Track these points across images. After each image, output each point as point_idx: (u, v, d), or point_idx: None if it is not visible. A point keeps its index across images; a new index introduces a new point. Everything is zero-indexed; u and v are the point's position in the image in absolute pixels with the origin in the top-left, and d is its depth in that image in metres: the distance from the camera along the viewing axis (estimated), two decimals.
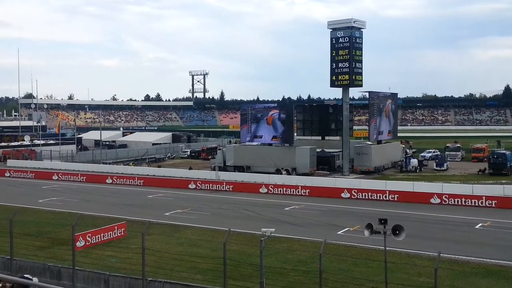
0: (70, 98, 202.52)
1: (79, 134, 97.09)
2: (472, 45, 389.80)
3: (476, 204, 36.05)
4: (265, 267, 16.90)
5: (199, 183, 47.09)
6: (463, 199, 36.75)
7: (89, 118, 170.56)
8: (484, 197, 36.30)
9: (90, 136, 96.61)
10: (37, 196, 42.00)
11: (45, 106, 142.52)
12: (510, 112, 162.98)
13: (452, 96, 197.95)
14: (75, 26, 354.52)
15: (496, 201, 35.83)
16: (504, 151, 56.26)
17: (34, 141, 77.64)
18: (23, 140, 78.59)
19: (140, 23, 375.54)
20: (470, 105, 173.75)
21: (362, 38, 54.83)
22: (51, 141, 79.69)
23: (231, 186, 45.37)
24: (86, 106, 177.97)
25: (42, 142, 76.96)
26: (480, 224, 30.27)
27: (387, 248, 15.82)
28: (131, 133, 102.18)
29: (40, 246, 24.82)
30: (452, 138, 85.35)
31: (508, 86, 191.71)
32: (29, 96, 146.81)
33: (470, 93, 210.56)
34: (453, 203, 36.74)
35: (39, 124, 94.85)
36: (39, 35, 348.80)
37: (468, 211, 34.51)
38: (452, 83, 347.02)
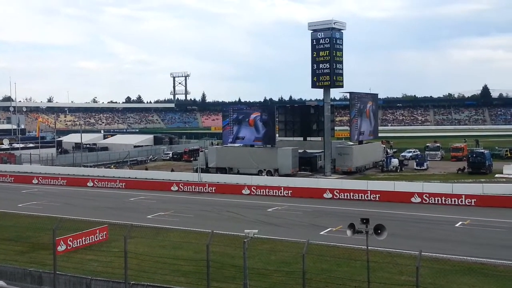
0: (49, 100, 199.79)
1: (59, 137, 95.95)
2: (451, 46, 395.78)
3: (456, 203, 36.54)
4: (249, 269, 16.91)
5: (181, 185, 46.91)
6: (443, 198, 37.22)
7: (69, 121, 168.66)
8: (463, 196, 36.80)
9: (70, 139, 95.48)
10: (17, 200, 41.43)
11: (24, 109, 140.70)
12: (488, 111, 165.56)
13: (431, 96, 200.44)
14: (54, 27, 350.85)
15: (475, 200, 36.35)
16: (482, 150, 57.10)
17: (13, 145, 76.57)
18: (2, 144, 77.50)
19: (120, 24, 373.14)
20: (449, 105, 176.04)
21: (342, 39, 55.19)
22: (31, 145, 78.66)
23: (213, 188, 45.28)
24: (66, 109, 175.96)
25: (22, 145, 75.95)
26: (460, 223, 30.66)
27: (369, 247, 15.95)
28: (112, 135, 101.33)
29: (20, 251, 24.49)
30: (431, 138, 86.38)
31: (486, 86, 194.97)
32: (8, 99, 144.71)
33: (449, 93, 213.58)
34: (433, 202, 37.19)
35: (18, 127, 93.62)
36: (17, 36, 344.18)
37: (448, 209, 34.95)
38: (431, 83, 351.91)
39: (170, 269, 20.44)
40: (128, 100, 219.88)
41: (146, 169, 60.71)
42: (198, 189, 45.67)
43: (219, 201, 40.46)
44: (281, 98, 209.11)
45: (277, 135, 59.46)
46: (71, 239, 24.35)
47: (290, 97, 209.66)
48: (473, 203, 36.13)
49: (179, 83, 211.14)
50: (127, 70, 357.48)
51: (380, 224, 15.39)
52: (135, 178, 52.98)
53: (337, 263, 21.78)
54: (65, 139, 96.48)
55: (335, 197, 40.22)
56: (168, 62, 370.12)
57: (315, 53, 54.34)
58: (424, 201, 37.38)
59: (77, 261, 21.72)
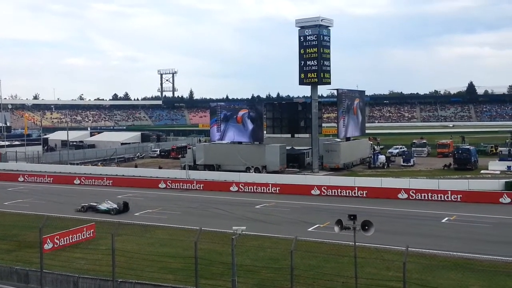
0: (35, 98, 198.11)
1: (45, 134, 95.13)
2: (438, 43, 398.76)
3: (442, 199, 36.88)
4: (237, 265, 16.94)
5: (169, 182, 46.78)
6: (429, 194, 37.54)
7: (56, 118, 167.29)
8: (449, 192, 37.18)
9: (56, 136, 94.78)
10: (2, 198, 41.00)
11: (10, 107, 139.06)
12: (474, 108, 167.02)
13: (418, 93, 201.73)
14: (41, 24, 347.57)
15: (461, 195, 36.72)
16: (468, 147, 57.70)
17: None
18: None
19: (107, 21, 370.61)
20: (435, 101, 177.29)
21: (330, 36, 55.30)
22: (16, 142, 77.91)
23: (201, 185, 45.23)
24: (52, 106, 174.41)
25: (7, 143, 75.19)
26: (446, 218, 30.95)
27: (356, 243, 16.05)
28: (99, 133, 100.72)
29: (7, 249, 24.28)
30: (418, 134, 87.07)
31: (471, 82, 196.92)
32: None
33: (435, 90, 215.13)
34: (420, 198, 37.49)
35: (3, 125, 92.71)
36: (3, 33, 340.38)
37: (434, 205, 35.27)
38: (418, 80, 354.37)
39: (158, 267, 20.41)
40: (115, 97, 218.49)
41: (136, 166, 60.46)
42: (186, 186, 45.57)
43: (207, 198, 40.42)
44: (269, 95, 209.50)
45: (264, 132, 59.50)
46: (58, 237, 24.20)
47: (278, 94, 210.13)
48: (459, 199, 36.48)
49: (167, 80, 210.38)
50: (114, 67, 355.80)
51: (368, 220, 15.49)
52: (123, 175, 52.72)
53: (325, 259, 21.90)
54: (52, 136, 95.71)
55: (322, 193, 40.37)
56: (156, 59, 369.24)
57: (302, 50, 54.41)
58: (410, 197, 37.67)
59: (64, 259, 21.59)
